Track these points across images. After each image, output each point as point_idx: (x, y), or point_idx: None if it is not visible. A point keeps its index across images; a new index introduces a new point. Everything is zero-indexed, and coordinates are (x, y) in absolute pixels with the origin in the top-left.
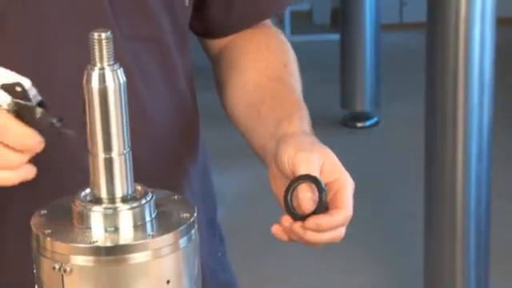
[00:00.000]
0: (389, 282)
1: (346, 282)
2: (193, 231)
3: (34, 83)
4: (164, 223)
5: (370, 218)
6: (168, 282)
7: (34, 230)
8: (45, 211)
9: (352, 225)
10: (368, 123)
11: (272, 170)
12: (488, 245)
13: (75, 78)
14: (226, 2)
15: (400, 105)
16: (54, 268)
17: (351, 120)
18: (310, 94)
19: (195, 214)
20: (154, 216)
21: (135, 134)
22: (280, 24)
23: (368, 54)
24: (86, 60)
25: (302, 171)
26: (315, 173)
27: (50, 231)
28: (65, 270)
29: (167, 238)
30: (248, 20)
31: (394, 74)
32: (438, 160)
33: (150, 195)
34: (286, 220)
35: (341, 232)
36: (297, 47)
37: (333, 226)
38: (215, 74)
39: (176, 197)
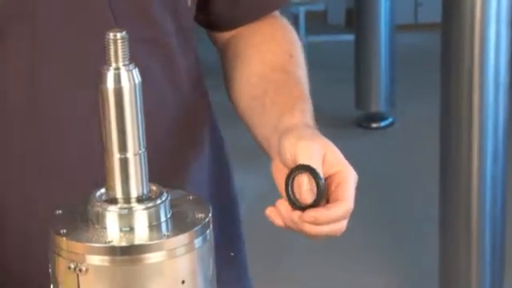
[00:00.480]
0: (404, 282)
1: (359, 283)
2: (208, 231)
3: (34, 84)
4: (179, 223)
5: (384, 218)
6: (183, 282)
7: (50, 229)
8: (60, 211)
9: (366, 225)
10: (383, 124)
11: (275, 163)
12: (503, 245)
13: (74, 79)
14: None
15: (415, 105)
16: (69, 268)
17: (366, 121)
18: (324, 95)
19: (210, 215)
20: (169, 216)
21: None
22: (295, 24)
23: (383, 55)
24: (85, 62)
25: (303, 160)
26: (317, 161)
27: (65, 231)
28: (80, 270)
29: (182, 238)
30: (253, 14)
31: (409, 74)
32: (453, 160)
33: (165, 195)
34: (282, 204)
35: (341, 225)
36: (311, 48)
37: (331, 220)
38: (222, 65)
39: (191, 197)
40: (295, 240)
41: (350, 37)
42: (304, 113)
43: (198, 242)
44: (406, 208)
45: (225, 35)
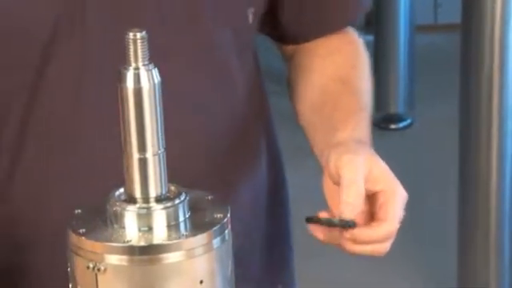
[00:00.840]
0: (423, 284)
1: (378, 285)
2: (226, 232)
3: (80, 85)
4: (197, 223)
5: (403, 219)
6: (201, 282)
7: (69, 229)
8: (79, 210)
9: None
10: (401, 125)
11: (325, 177)
12: None
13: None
14: (297, 11)
15: (434, 106)
16: (88, 267)
17: (384, 122)
18: None
19: (228, 215)
20: (187, 216)
21: (186, 138)
22: None
23: (402, 56)
24: None
25: (345, 173)
26: (359, 176)
27: (84, 230)
28: (99, 269)
29: (201, 238)
30: (320, 30)
31: (428, 75)
32: (473, 161)
33: (183, 195)
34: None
35: (385, 246)
36: None
37: (372, 240)
38: (287, 75)
39: (210, 197)
40: (320, 243)
41: (369, 37)
42: (358, 125)
43: (216, 242)
44: (425, 209)
45: (291, 46)
